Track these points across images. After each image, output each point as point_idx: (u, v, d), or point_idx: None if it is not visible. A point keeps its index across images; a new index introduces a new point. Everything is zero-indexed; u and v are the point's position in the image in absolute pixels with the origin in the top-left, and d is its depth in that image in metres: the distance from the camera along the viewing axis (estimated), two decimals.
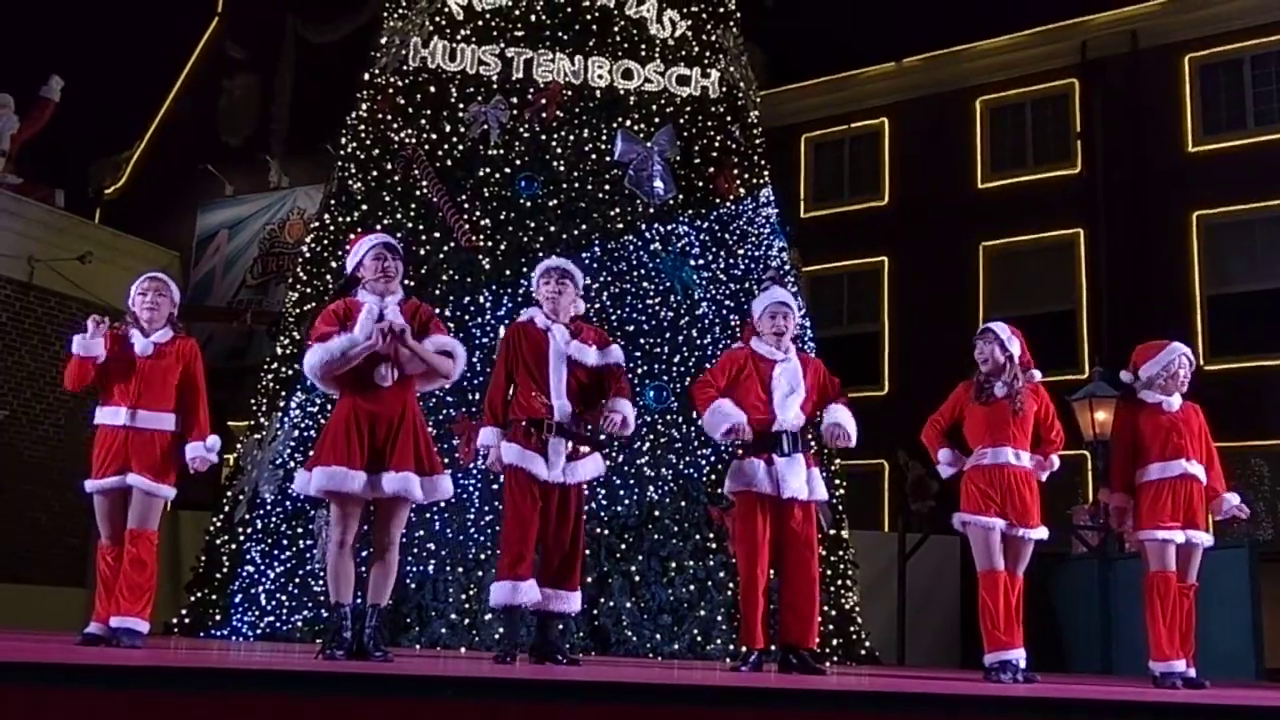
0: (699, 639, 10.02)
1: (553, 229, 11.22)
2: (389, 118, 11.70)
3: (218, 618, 10.12)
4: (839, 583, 11.04)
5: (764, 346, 7.07)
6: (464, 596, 9.83)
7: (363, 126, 11.77)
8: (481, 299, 10.87)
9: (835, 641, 10.50)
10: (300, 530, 10.14)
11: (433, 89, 11.79)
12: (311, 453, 6.07)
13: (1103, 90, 18.39)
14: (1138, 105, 18.07)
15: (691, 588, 10.13)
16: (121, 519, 6.41)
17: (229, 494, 10.97)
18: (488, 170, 11.43)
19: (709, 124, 12.13)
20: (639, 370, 10.78)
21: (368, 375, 5.81)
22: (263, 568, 10.10)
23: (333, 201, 11.72)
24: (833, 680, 5.87)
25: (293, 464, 10.28)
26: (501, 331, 10.49)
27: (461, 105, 11.69)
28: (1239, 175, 16.88)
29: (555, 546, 6.71)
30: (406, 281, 6.39)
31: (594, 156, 11.62)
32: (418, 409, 6.00)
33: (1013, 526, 6.79)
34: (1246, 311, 16.65)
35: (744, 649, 6.91)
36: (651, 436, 10.65)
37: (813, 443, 7.06)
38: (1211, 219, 17.34)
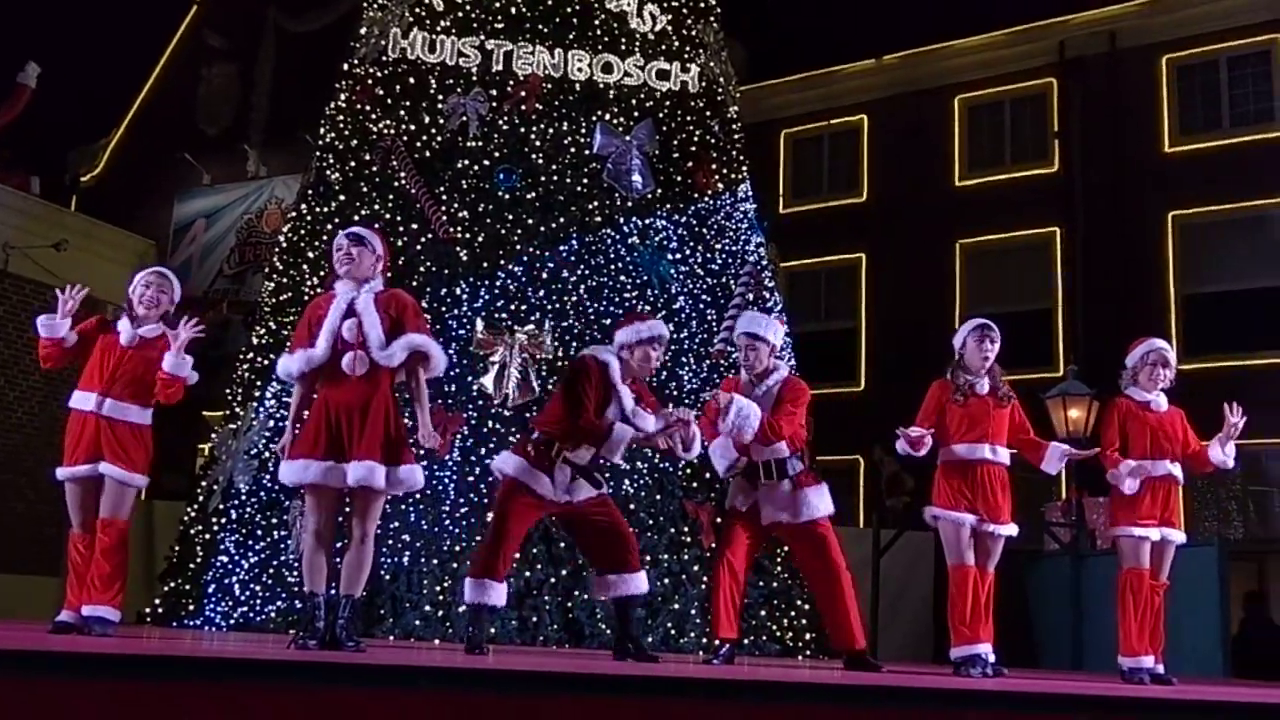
0: (673, 632, 10.05)
1: (531, 221, 11.23)
2: (368, 108, 11.67)
3: (191, 608, 10.09)
4: None
5: (744, 379, 7.21)
6: (438, 588, 9.83)
7: (341, 117, 11.74)
8: (459, 290, 10.86)
9: (809, 636, 10.54)
10: (275, 521, 10.12)
11: (412, 80, 11.77)
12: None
13: (1081, 90, 18.49)
14: (1115, 105, 18.17)
15: (666, 581, 10.15)
16: (93, 507, 6.39)
17: (204, 484, 10.93)
18: (466, 162, 11.42)
19: (688, 119, 12.15)
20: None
21: (337, 364, 5.82)
22: (237, 558, 10.07)
23: (310, 191, 11.69)
24: (804, 673, 5.90)
25: (268, 454, 10.25)
26: (479, 323, 10.55)
27: (441, 97, 11.67)
28: (1215, 176, 17.00)
29: (600, 540, 6.81)
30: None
31: (573, 149, 11.62)
32: (391, 398, 5.96)
33: (983, 522, 6.83)
34: (1221, 311, 16.77)
35: (716, 641, 7.01)
36: None
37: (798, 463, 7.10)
38: (1187, 219, 17.45)
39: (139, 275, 6.72)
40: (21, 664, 3.42)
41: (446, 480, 10.18)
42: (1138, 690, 6.04)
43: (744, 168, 12.32)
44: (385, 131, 11.53)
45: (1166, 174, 17.59)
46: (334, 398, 5.82)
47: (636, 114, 11.92)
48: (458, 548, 9.93)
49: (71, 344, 6.50)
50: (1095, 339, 16.67)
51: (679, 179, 11.87)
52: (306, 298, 10.10)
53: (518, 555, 7.91)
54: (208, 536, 10.38)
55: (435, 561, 9.93)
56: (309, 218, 11.46)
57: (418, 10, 11.98)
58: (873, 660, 7.09)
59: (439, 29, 11.92)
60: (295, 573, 9.75)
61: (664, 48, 12.31)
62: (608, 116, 11.79)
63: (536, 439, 6.68)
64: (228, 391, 11.35)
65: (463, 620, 9.31)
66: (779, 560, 10.60)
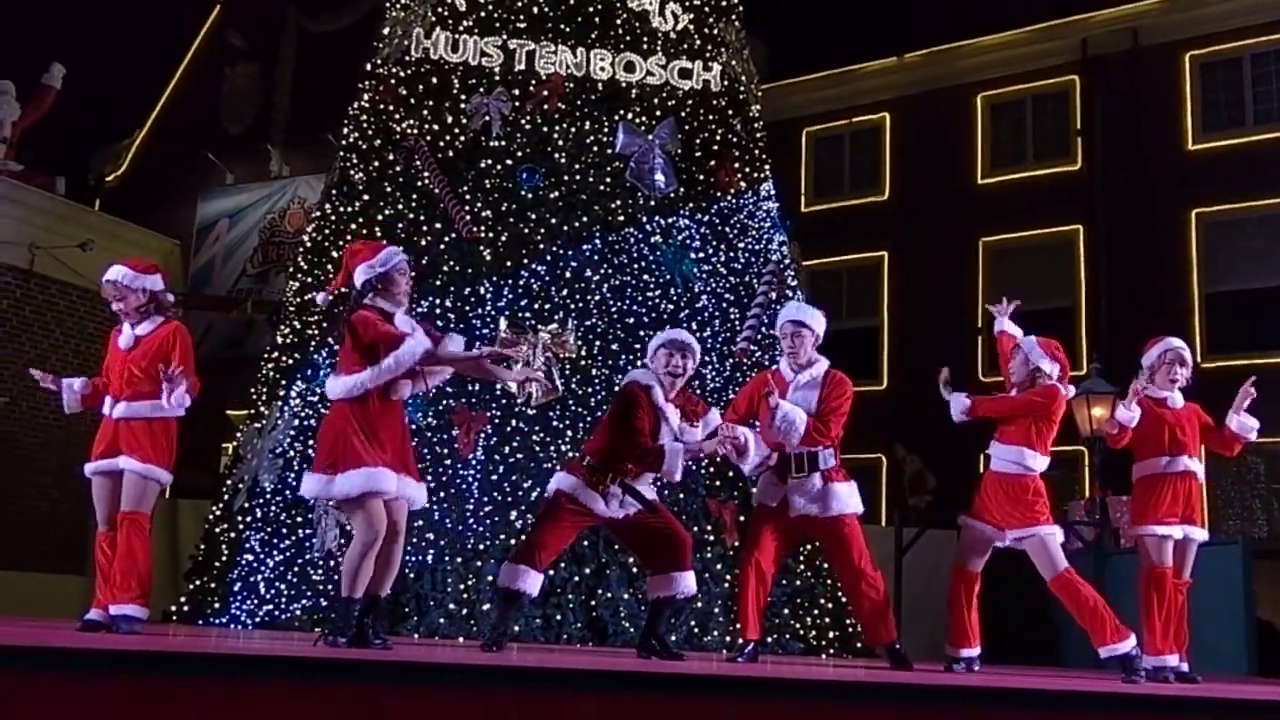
0: (696, 630, 10.05)
1: (554, 221, 11.25)
2: (391, 108, 11.71)
3: (216, 606, 10.15)
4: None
5: (784, 368, 7.19)
6: (462, 586, 9.86)
7: (364, 117, 11.78)
8: (482, 290, 10.89)
9: (832, 634, 10.54)
10: (300, 519, 10.16)
11: (435, 80, 11.80)
12: (314, 455, 6.14)
13: (1103, 87, 18.41)
14: (1138, 103, 18.09)
15: None
16: (116, 504, 6.49)
17: (229, 482, 10.99)
18: (489, 162, 11.44)
19: (710, 117, 12.15)
20: (638, 364, 10.80)
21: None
22: (262, 556, 10.12)
23: (334, 191, 11.73)
24: (828, 670, 5.91)
25: (292, 453, 10.31)
26: (503, 323, 10.57)
27: (463, 96, 11.70)
28: (1238, 174, 16.91)
29: (652, 543, 6.90)
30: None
31: (595, 149, 11.63)
32: (404, 415, 6.16)
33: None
34: (1243, 309, 16.69)
35: (740, 640, 7.05)
36: None
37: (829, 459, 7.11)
38: (1210, 217, 17.37)
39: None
40: (51, 660, 3.46)
41: (470, 479, 10.21)
42: (1162, 689, 6.03)
43: (766, 166, 12.31)
44: (408, 131, 11.56)
45: (1189, 172, 17.51)
46: (362, 414, 5.83)
47: (659, 113, 11.92)
48: (481, 546, 9.96)
49: (92, 389, 6.79)
50: (1118, 337, 16.59)
51: (701, 178, 11.88)
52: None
53: None
54: (233, 535, 10.43)
55: (459, 560, 9.96)
56: (333, 217, 11.51)
57: (440, 10, 12.01)
58: (905, 654, 7.11)
59: (461, 29, 11.95)
60: (320, 571, 9.80)
61: (686, 46, 12.31)
62: (630, 116, 11.79)
63: (589, 463, 6.74)
64: (252, 390, 11.41)
65: (487, 618, 9.36)
66: (802, 559, 10.60)
